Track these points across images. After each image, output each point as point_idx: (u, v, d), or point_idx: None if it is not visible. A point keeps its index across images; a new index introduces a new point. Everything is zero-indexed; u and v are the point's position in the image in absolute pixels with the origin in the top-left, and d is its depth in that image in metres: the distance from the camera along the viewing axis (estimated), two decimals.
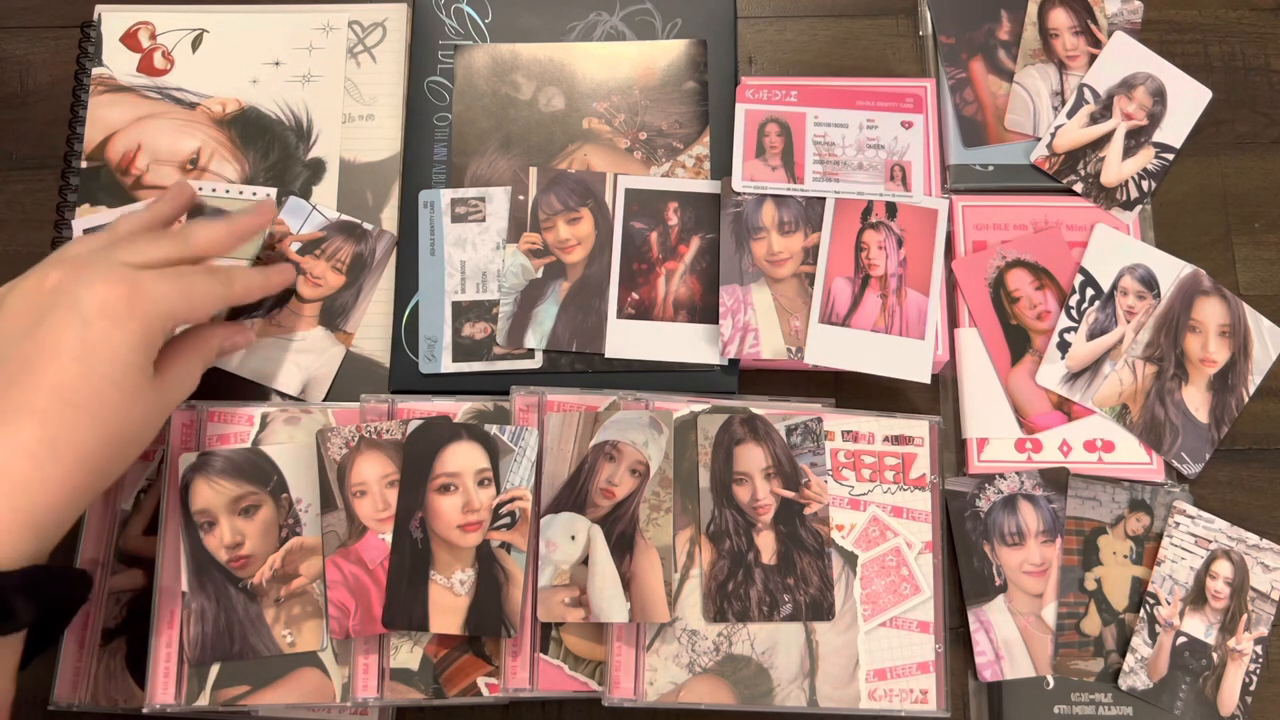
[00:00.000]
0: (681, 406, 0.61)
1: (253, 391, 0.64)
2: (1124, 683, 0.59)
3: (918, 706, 0.58)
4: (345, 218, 0.67)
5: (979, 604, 0.61)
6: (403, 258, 0.66)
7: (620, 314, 0.64)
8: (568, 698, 0.58)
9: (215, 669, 0.58)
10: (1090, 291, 0.66)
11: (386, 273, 0.67)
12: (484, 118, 0.68)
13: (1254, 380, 0.65)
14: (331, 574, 0.58)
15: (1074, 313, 0.65)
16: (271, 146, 0.69)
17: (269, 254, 0.66)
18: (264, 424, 0.62)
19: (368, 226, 0.67)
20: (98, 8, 0.72)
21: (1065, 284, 0.66)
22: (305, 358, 0.65)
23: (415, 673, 0.58)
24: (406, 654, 0.58)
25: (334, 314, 0.66)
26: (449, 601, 0.57)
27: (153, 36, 0.71)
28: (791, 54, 0.73)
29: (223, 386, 0.64)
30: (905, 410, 0.63)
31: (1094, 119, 0.69)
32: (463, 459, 0.59)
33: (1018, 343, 0.65)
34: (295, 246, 0.67)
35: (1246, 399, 0.65)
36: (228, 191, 0.68)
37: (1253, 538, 0.62)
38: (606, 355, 0.63)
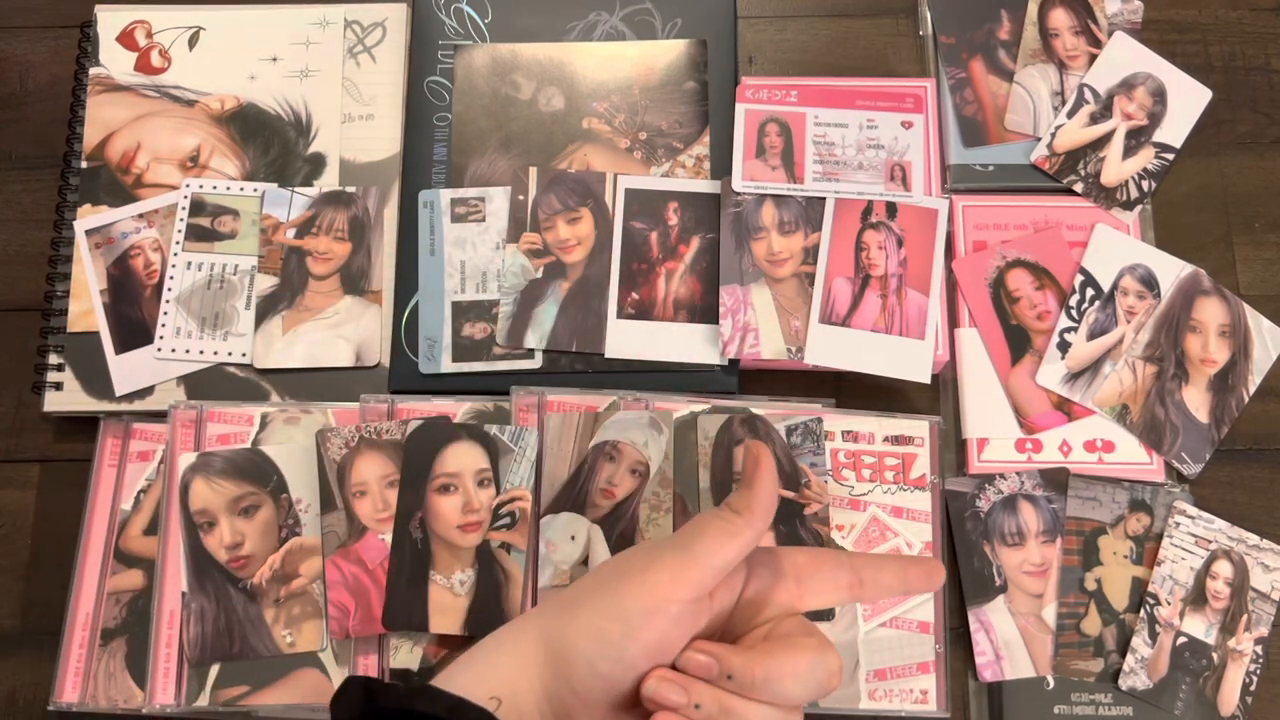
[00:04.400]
0: (681, 406, 0.61)
1: (252, 392, 0.64)
2: (1124, 683, 0.59)
3: (918, 707, 0.58)
4: (326, 189, 0.68)
5: (979, 604, 0.61)
6: (403, 258, 0.66)
7: (620, 314, 0.64)
8: None
9: (215, 669, 0.58)
10: (1090, 291, 0.66)
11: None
12: (484, 118, 0.68)
13: (1254, 380, 0.65)
14: (331, 574, 0.58)
15: (1074, 313, 0.65)
16: (271, 142, 0.69)
17: (268, 249, 0.66)
18: (264, 424, 0.62)
19: (351, 189, 0.68)
20: (95, 7, 0.72)
21: (1065, 284, 0.66)
22: (345, 329, 0.65)
23: (415, 673, 0.58)
24: (406, 654, 0.58)
25: (355, 279, 0.66)
26: (449, 602, 0.57)
27: (149, 35, 0.71)
28: (791, 54, 0.73)
29: (223, 387, 0.64)
30: (905, 410, 0.63)
31: (1094, 119, 0.69)
32: (462, 459, 0.59)
33: (1018, 343, 0.65)
34: (290, 233, 0.67)
35: (1247, 399, 0.65)
36: (229, 188, 0.68)
37: (1253, 538, 0.62)
38: (606, 355, 0.63)
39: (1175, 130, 0.69)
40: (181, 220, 0.67)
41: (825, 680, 0.41)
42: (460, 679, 0.40)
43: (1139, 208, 0.68)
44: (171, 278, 0.66)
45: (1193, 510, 0.62)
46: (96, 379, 0.64)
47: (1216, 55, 0.73)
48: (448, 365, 0.64)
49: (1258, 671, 0.60)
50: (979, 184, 0.68)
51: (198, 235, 0.67)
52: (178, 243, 0.67)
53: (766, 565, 0.43)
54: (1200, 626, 0.60)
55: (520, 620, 0.43)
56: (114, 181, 0.68)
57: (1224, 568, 0.61)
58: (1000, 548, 0.62)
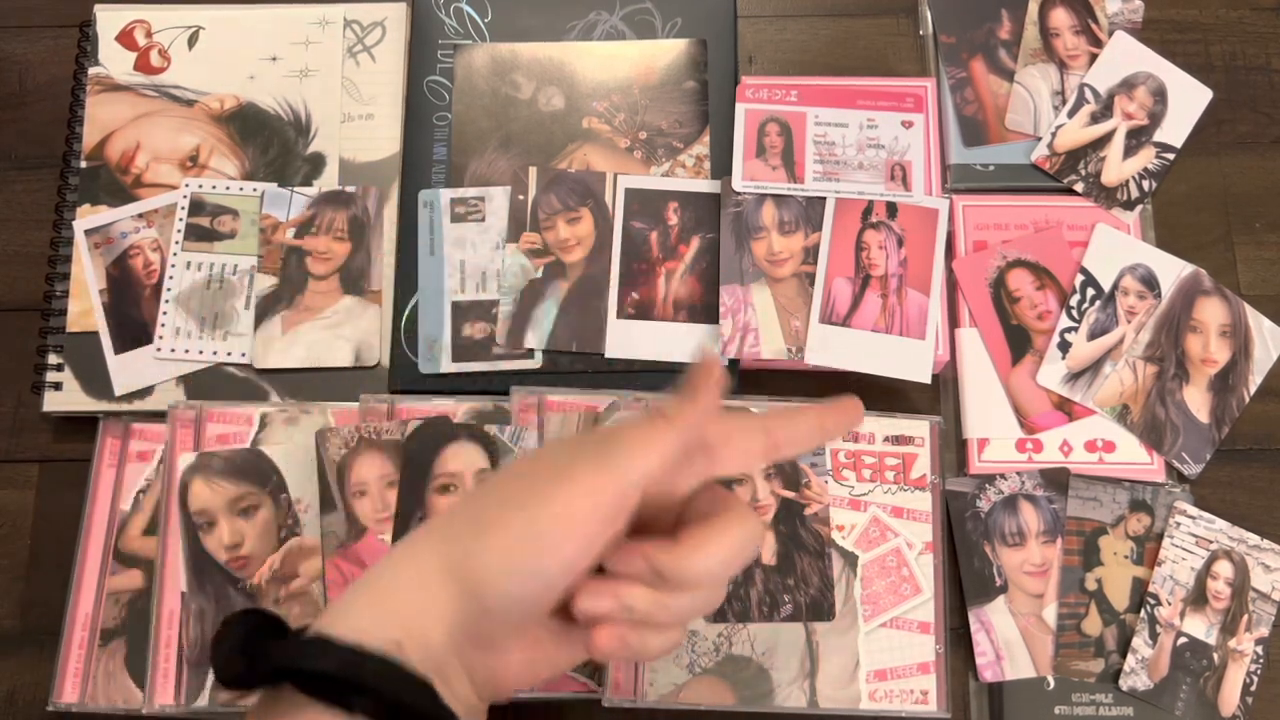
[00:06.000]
0: None
1: (252, 392, 0.64)
2: (1125, 683, 0.59)
3: (918, 707, 0.58)
4: (326, 189, 0.68)
5: (979, 604, 0.61)
6: (402, 257, 0.66)
7: (620, 314, 0.64)
8: (568, 698, 0.58)
9: None
10: (1091, 291, 0.65)
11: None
12: (484, 117, 0.68)
13: (1255, 380, 0.65)
14: (331, 575, 0.58)
15: (1075, 313, 0.65)
16: (271, 142, 0.69)
17: (267, 248, 0.66)
18: (263, 424, 0.62)
19: (350, 189, 0.67)
20: (95, 7, 0.72)
21: (1066, 284, 0.66)
22: (345, 329, 0.65)
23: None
24: None
25: (354, 279, 0.66)
26: None
27: (149, 35, 0.71)
28: (791, 53, 0.73)
29: (223, 387, 0.64)
30: (905, 410, 0.63)
31: (1094, 118, 0.69)
32: (463, 459, 0.59)
33: (1018, 343, 0.65)
34: (290, 233, 0.67)
35: (1247, 399, 0.65)
36: (228, 188, 0.68)
37: (1253, 538, 0.62)
38: (606, 355, 0.63)
39: (1176, 130, 0.69)
40: (181, 220, 0.67)
41: (751, 552, 0.40)
42: (355, 616, 0.35)
43: (1139, 207, 0.68)
44: (171, 277, 0.66)
45: (1193, 510, 0.62)
46: (96, 379, 0.64)
47: (1217, 55, 0.73)
48: (447, 365, 0.64)
49: (1258, 672, 0.60)
50: (979, 184, 0.68)
51: (197, 235, 0.67)
52: (177, 242, 0.66)
53: None
54: (1201, 627, 0.60)
55: (417, 544, 0.38)
56: (113, 181, 0.68)
57: (1224, 568, 0.61)
58: (1001, 548, 0.62)
